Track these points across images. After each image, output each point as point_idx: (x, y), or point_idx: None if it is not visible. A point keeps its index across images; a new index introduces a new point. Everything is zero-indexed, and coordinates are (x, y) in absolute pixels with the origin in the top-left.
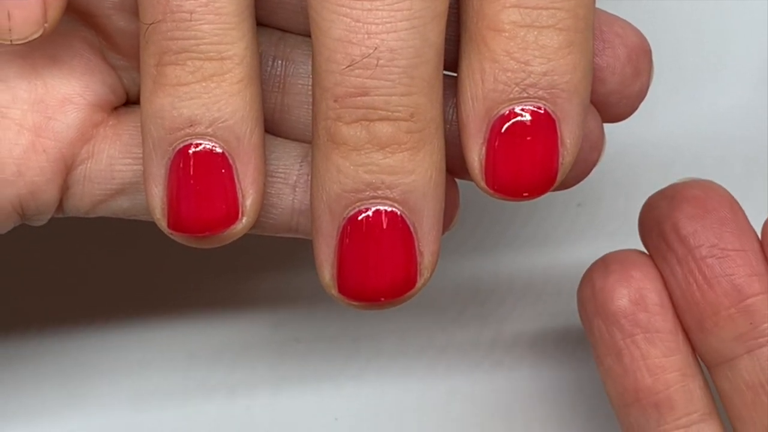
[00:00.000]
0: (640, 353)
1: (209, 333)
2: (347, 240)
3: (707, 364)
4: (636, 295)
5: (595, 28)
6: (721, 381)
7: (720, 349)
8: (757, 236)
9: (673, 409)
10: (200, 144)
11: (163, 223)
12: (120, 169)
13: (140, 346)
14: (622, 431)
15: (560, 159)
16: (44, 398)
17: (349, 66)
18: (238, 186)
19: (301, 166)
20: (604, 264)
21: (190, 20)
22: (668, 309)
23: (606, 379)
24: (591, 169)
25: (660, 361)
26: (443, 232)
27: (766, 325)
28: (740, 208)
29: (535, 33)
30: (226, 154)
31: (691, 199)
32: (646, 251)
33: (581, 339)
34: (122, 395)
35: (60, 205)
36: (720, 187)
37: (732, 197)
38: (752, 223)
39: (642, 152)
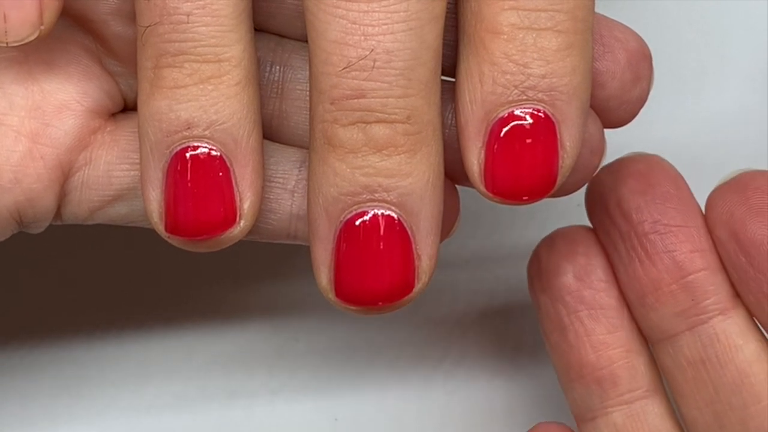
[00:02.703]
0: (584, 329)
1: (208, 337)
2: (344, 244)
3: (650, 340)
4: (581, 271)
5: (594, 33)
6: (663, 357)
7: (661, 325)
8: (701, 212)
9: (616, 385)
10: (198, 147)
11: (160, 227)
12: (118, 175)
13: (139, 352)
14: (570, 408)
15: (560, 162)
16: (42, 407)
17: (345, 68)
18: (235, 189)
19: (299, 171)
20: (550, 240)
21: (188, 22)
22: (613, 285)
23: (552, 354)
24: (592, 175)
25: (604, 338)
26: (443, 239)
27: (707, 301)
28: (685, 183)
29: (534, 35)
30: (224, 156)
31: (636, 173)
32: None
33: None
34: (122, 402)
35: (58, 212)
36: (665, 161)
37: (677, 172)
38: None
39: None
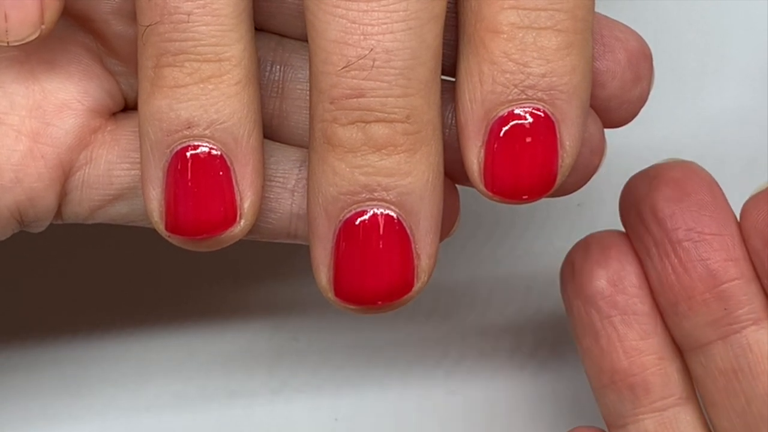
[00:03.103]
0: (617, 335)
1: (208, 337)
2: (343, 243)
3: (682, 348)
4: (614, 276)
5: (595, 32)
6: (695, 366)
7: (694, 333)
8: (736, 220)
9: (648, 391)
10: (198, 146)
11: (160, 226)
12: (118, 174)
13: (139, 352)
14: (601, 413)
15: (559, 161)
16: (42, 407)
17: (344, 67)
18: (236, 188)
19: (299, 170)
20: (584, 245)
21: (188, 22)
22: (646, 291)
23: (584, 359)
24: (592, 175)
25: (636, 344)
26: (443, 238)
27: (740, 311)
28: (720, 191)
29: (534, 34)
30: (224, 156)
31: (671, 180)
32: None
33: None
34: (122, 401)
35: (59, 212)
36: (701, 169)
37: (713, 180)
38: None
39: (642, 152)
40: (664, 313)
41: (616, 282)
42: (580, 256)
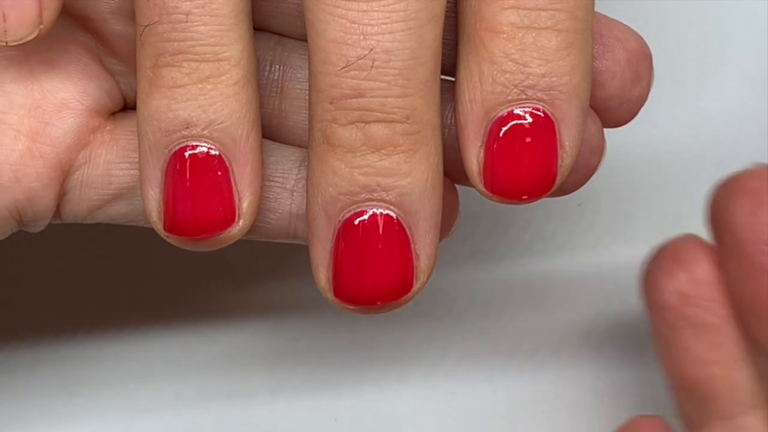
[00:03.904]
0: (685, 345)
1: (207, 337)
2: (343, 243)
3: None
4: (685, 287)
5: (594, 32)
6: None
7: None
8: None
9: (716, 400)
10: (196, 146)
11: (159, 226)
12: (117, 174)
13: (138, 351)
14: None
15: (559, 161)
16: (41, 406)
17: (344, 67)
18: (234, 188)
19: (299, 170)
20: (661, 251)
21: (186, 21)
22: (717, 302)
23: (660, 362)
24: (592, 174)
25: (704, 354)
26: (443, 238)
27: None
28: None
29: (534, 34)
30: (223, 156)
31: (749, 190)
32: (705, 237)
33: (582, 345)
34: (121, 401)
35: (57, 211)
36: None
37: None
38: None
39: (642, 152)
40: (738, 320)
41: (686, 293)
42: (656, 262)
